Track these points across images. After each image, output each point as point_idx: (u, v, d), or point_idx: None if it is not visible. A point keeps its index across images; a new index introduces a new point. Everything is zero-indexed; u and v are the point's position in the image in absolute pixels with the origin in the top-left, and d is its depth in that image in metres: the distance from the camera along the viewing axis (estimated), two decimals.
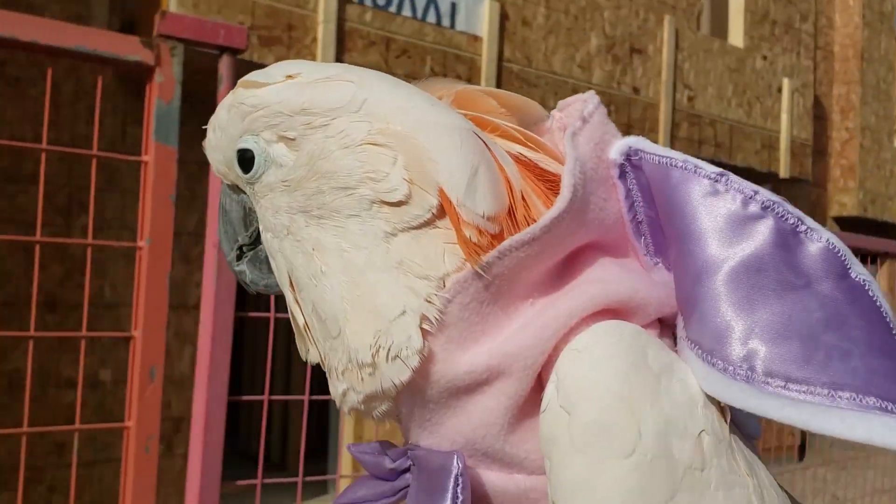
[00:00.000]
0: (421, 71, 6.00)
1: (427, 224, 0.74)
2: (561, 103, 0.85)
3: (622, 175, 0.80)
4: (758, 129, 8.49)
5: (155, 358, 1.42)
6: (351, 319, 0.73)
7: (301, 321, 0.79)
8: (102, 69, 1.46)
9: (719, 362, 0.72)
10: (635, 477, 0.69)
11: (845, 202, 10.66)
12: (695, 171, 0.77)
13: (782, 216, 0.75)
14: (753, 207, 0.75)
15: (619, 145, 0.81)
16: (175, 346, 5.54)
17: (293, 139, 0.78)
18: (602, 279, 0.76)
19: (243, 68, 3.76)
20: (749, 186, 0.76)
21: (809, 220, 0.76)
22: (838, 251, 0.74)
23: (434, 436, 0.76)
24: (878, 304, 0.74)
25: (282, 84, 0.79)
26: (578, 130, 0.78)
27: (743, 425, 0.80)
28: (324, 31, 5.55)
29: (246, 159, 0.80)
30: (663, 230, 0.80)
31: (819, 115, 10.39)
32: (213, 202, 1.71)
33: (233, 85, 1.58)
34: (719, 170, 0.77)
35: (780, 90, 8.75)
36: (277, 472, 7.04)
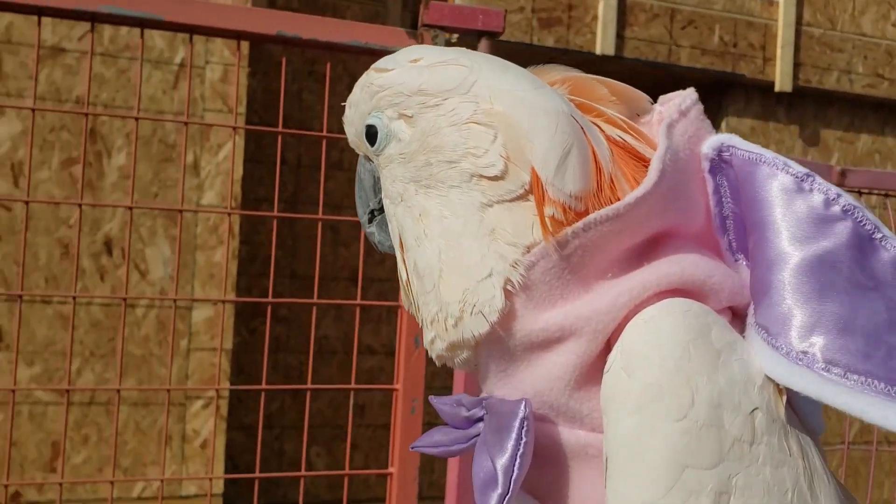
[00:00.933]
0: (709, 41, 5.73)
1: (519, 198, 0.81)
2: (662, 98, 0.91)
3: (712, 170, 0.84)
4: None
5: (418, 327, 1.52)
6: (444, 277, 0.82)
7: (404, 278, 0.88)
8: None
9: (783, 346, 0.77)
10: (684, 440, 0.73)
11: None
12: (783, 169, 0.81)
13: (861, 221, 0.80)
14: (835, 209, 0.80)
15: (712, 140, 0.85)
16: None
17: (411, 117, 0.87)
18: (679, 261, 0.81)
19: (522, 51, 3.86)
20: (833, 189, 0.81)
21: (885, 229, 0.80)
22: None
23: (507, 386, 0.83)
24: None
25: (405, 68, 0.89)
26: (675, 122, 0.83)
27: (807, 419, 0.83)
28: (604, 8, 5.49)
29: (371, 134, 0.90)
30: (745, 224, 0.84)
31: None
32: None
33: None
34: (806, 170, 0.82)
35: None
36: None
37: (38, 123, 3.94)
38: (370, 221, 0.97)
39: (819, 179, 0.81)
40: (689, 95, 0.87)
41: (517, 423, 0.78)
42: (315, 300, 2.08)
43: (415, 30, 1.55)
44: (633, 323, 0.79)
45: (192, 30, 1.56)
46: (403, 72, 0.88)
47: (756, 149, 0.84)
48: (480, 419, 0.85)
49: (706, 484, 0.73)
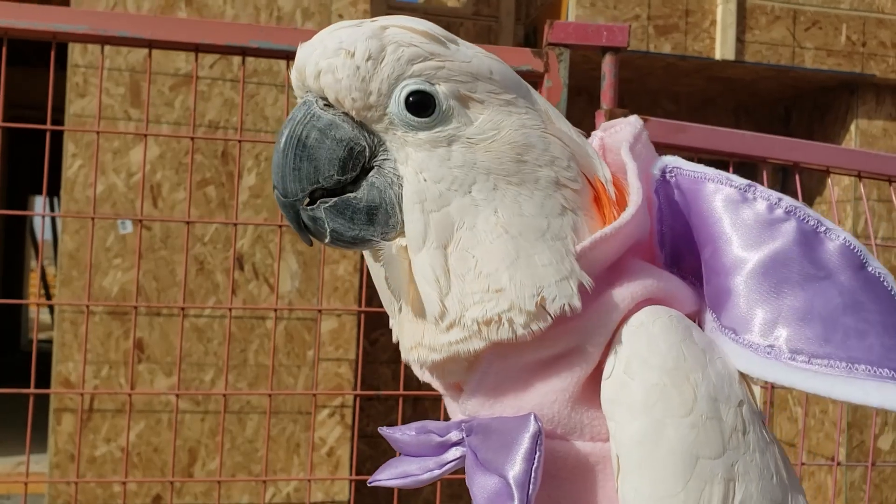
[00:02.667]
0: (835, 41, 5.51)
1: (585, 212, 0.85)
2: (604, 125, 0.96)
3: (657, 190, 0.91)
4: None
5: None
6: (518, 274, 0.79)
7: (432, 277, 0.80)
8: None
9: (751, 343, 0.83)
10: (693, 434, 0.78)
11: None
12: (727, 183, 0.89)
13: (803, 219, 0.87)
14: (778, 212, 0.87)
15: (659, 163, 0.92)
16: None
17: (481, 102, 0.83)
18: (650, 273, 0.87)
19: (637, 60, 3.81)
20: (774, 194, 0.88)
21: (828, 222, 0.87)
22: (854, 248, 0.86)
23: (498, 405, 0.84)
24: (892, 292, 0.85)
25: (460, 46, 0.84)
26: (632, 146, 0.89)
27: None
28: (723, 12, 5.36)
29: (420, 103, 0.81)
30: (695, 236, 0.90)
31: None
32: None
33: (615, 82, 1.66)
34: (748, 181, 0.89)
35: None
36: None
37: (174, 147, 4.17)
38: (311, 203, 0.82)
39: (760, 187, 0.88)
40: (635, 122, 0.93)
41: (528, 438, 0.79)
42: None
43: (538, 48, 1.57)
44: (626, 330, 0.83)
45: None
46: (463, 50, 0.84)
47: (699, 168, 0.91)
48: (457, 443, 0.85)
49: (716, 472, 0.78)
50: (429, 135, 0.81)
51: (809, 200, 5.90)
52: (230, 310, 1.73)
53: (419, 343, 0.83)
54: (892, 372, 0.81)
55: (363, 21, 0.82)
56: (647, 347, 0.81)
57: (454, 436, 0.85)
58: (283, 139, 0.81)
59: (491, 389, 0.84)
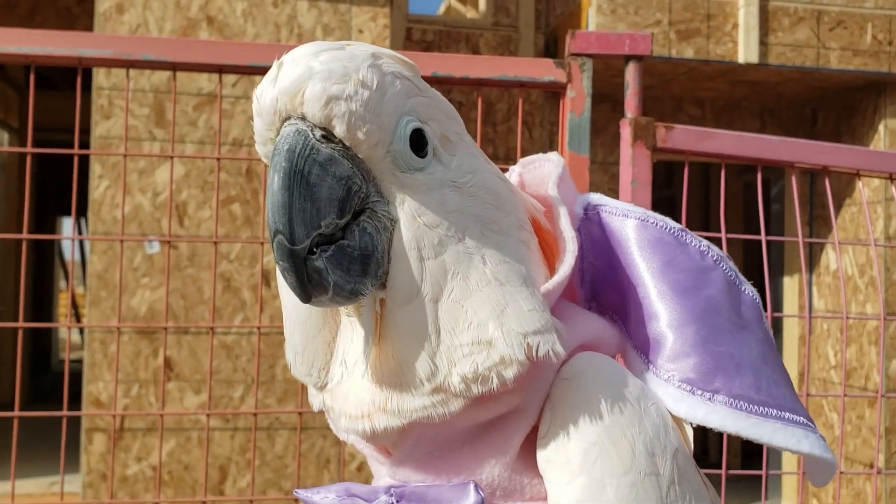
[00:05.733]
0: (861, 41, 5.44)
1: (536, 251, 0.82)
2: (523, 161, 0.93)
3: (579, 228, 0.89)
4: None
5: None
6: (506, 324, 0.74)
7: (423, 333, 0.73)
8: (525, 91, 1.62)
9: (697, 390, 0.83)
10: (634, 492, 0.75)
11: None
12: (659, 225, 0.88)
13: (726, 270, 0.88)
14: (708, 260, 0.88)
15: (580, 200, 0.91)
16: None
17: (452, 142, 0.79)
18: (581, 318, 0.86)
19: (660, 66, 3.78)
20: (703, 241, 0.89)
21: (741, 276, 0.89)
22: (758, 301, 0.89)
23: (433, 470, 0.79)
24: (775, 347, 0.89)
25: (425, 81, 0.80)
26: (556, 185, 0.86)
27: None
28: (745, 15, 5.31)
29: (415, 142, 0.75)
30: (617, 275, 0.88)
31: None
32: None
33: (639, 90, 1.64)
34: (680, 226, 0.89)
35: None
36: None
37: (199, 165, 4.20)
38: (313, 250, 0.71)
39: (690, 233, 0.89)
40: (557, 160, 0.90)
41: None
42: None
43: (558, 57, 1.56)
44: (558, 384, 0.79)
45: None
46: (431, 87, 0.80)
47: (625, 206, 0.89)
48: None
49: None
50: (424, 176, 0.76)
51: (839, 202, 5.82)
52: (258, 328, 1.72)
53: (380, 408, 0.75)
54: (806, 422, 0.84)
55: (341, 44, 0.75)
56: (584, 402, 0.77)
57: (383, 501, 0.79)
58: (283, 174, 0.70)
59: (426, 454, 0.79)
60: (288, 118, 0.72)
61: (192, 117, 4.27)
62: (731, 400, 0.82)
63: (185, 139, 4.24)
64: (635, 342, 0.88)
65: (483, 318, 0.74)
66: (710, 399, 0.82)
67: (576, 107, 1.51)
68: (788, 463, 6.08)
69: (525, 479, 0.80)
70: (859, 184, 2.02)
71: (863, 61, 5.43)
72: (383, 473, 0.83)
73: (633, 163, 1.45)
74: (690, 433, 0.86)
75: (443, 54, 1.49)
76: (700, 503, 0.80)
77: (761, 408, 0.83)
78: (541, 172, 0.91)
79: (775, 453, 6.16)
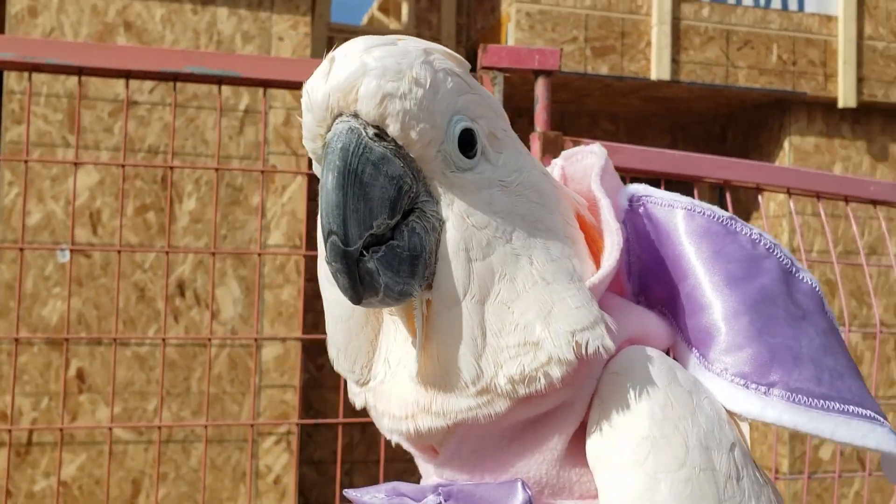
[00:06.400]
0: (767, 60, 5.69)
1: (582, 245, 0.81)
2: (565, 154, 0.92)
3: (625, 220, 0.87)
4: None
5: None
6: (553, 322, 0.73)
7: (470, 335, 0.72)
8: None
9: (751, 384, 0.79)
10: (689, 488, 0.72)
11: None
12: (708, 214, 0.85)
13: (780, 258, 0.85)
14: (760, 248, 0.84)
15: (625, 192, 0.88)
16: None
17: (500, 140, 0.78)
18: (629, 312, 0.83)
19: (576, 81, 3.86)
20: (755, 229, 0.86)
21: (797, 263, 0.87)
22: (818, 289, 0.86)
23: (478, 469, 0.77)
24: (840, 335, 0.85)
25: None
26: (601, 178, 0.85)
27: None
28: (658, 34, 5.50)
29: (465, 141, 0.74)
30: (665, 267, 0.86)
31: None
32: None
33: (548, 105, 1.69)
34: (729, 214, 0.86)
35: None
36: None
37: (114, 173, 4.12)
38: (365, 251, 0.70)
39: (741, 221, 0.86)
40: (598, 151, 0.88)
41: None
42: None
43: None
44: (606, 378, 0.77)
45: (266, 84, 1.65)
46: (476, 82, 0.78)
47: (672, 196, 0.87)
48: None
49: None
50: (472, 176, 0.75)
51: (746, 216, 6.06)
52: (163, 340, 1.71)
53: (425, 409, 0.74)
54: (874, 413, 0.80)
55: (392, 38, 0.73)
56: (634, 397, 0.75)
57: (431, 501, 0.78)
58: (337, 173, 0.69)
59: (472, 452, 0.77)
60: (340, 115, 0.71)
61: (107, 123, 4.17)
62: (789, 394, 0.78)
63: (100, 146, 4.14)
64: (686, 335, 0.85)
65: (530, 319, 0.73)
66: (765, 393, 0.79)
67: None
68: None
69: (574, 476, 0.78)
70: (760, 198, 2.12)
71: (769, 80, 5.67)
72: (430, 472, 0.82)
73: None
74: (747, 429, 0.82)
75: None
76: (758, 500, 0.76)
77: (822, 401, 0.79)
78: (583, 165, 0.89)
79: None
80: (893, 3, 5.99)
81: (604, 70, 5.40)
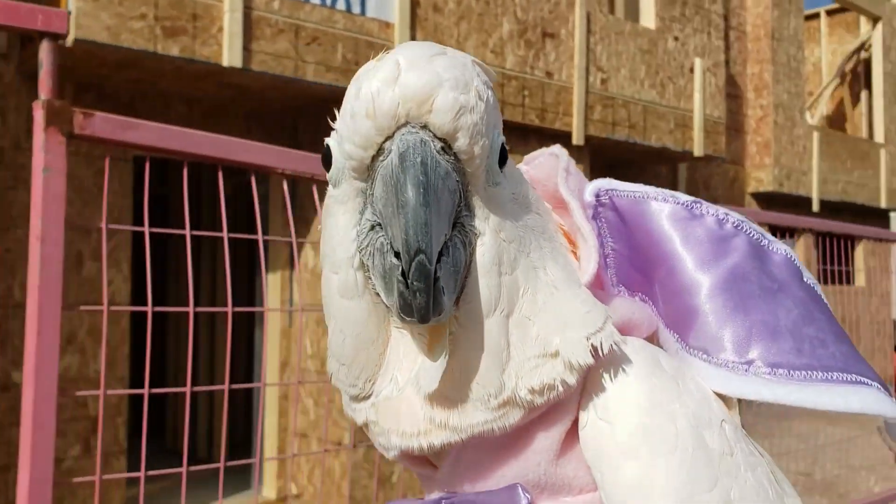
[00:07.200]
0: (333, 58, 5.98)
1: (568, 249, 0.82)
2: (527, 157, 0.93)
3: (594, 215, 0.89)
4: (671, 108, 8.68)
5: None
6: (570, 330, 0.75)
7: (497, 349, 0.73)
8: None
9: (727, 361, 0.81)
10: (684, 470, 0.74)
11: (762, 178, 10.98)
12: (671, 201, 0.87)
13: (749, 233, 0.86)
14: (727, 227, 0.86)
15: (591, 188, 0.90)
16: (90, 345, 5.46)
17: (505, 153, 0.78)
18: (609, 307, 0.82)
19: (143, 61, 3.68)
20: (720, 209, 0.87)
21: (768, 235, 0.88)
22: (793, 258, 0.87)
23: (480, 478, 0.78)
24: (824, 300, 0.86)
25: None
26: (565, 180, 0.86)
27: None
28: (230, 21, 5.49)
29: (502, 156, 0.75)
30: (640, 256, 0.88)
31: (735, 94, 10.65)
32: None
33: (53, 71, 1.59)
34: (692, 197, 0.88)
35: (692, 70, 8.95)
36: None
37: None
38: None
39: (705, 203, 0.87)
40: (561, 154, 0.89)
41: None
42: None
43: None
44: (593, 374, 0.78)
45: None
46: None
47: (637, 187, 0.89)
48: None
49: None
50: (500, 190, 0.75)
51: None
52: None
53: (440, 426, 0.73)
54: (858, 377, 0.81)
55: (441, 47, 0.71)
56: (621, 388, 0.77)
57: None
58: (423, 189, 0.67)
59: (471, 462, 0.78)
60: (405, 124, 0.68)
61: None
62: (769, 369, 0.80)
63: None
64: (666, 321, 0.86)
65: (548, 330, 0.74)
66: (745, 371, 0.80)
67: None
68: (270, 449, 6.42)
69: (571, 472, 0.78)
70: (314, 188, 2.20)
71: (335, 77, 5.98)
72: (432, 486, 0.82)
73: (45, 149, 1.39)
74: (736, 405, 0.83)
75: None
76: (755, 472, 0.78)
77: (804, 372, 0.80)
78: (546, 167, 0.89)
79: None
80: (439, 16, 6.70)
81: (174, 51, 5.24)
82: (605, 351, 0.75)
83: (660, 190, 0.88)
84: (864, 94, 13.23)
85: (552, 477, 0.78)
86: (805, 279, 0.87)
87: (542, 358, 0.74)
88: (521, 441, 0.77)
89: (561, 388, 0.74)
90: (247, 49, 5.57)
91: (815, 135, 11.18)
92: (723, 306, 0.83)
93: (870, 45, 12.88)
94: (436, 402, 0.74)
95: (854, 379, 0.81)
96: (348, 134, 0.71)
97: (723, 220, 0.86)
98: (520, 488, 0.76)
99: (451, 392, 0.73)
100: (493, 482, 0.78)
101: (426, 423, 0.74)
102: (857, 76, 13.35)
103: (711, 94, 9.17)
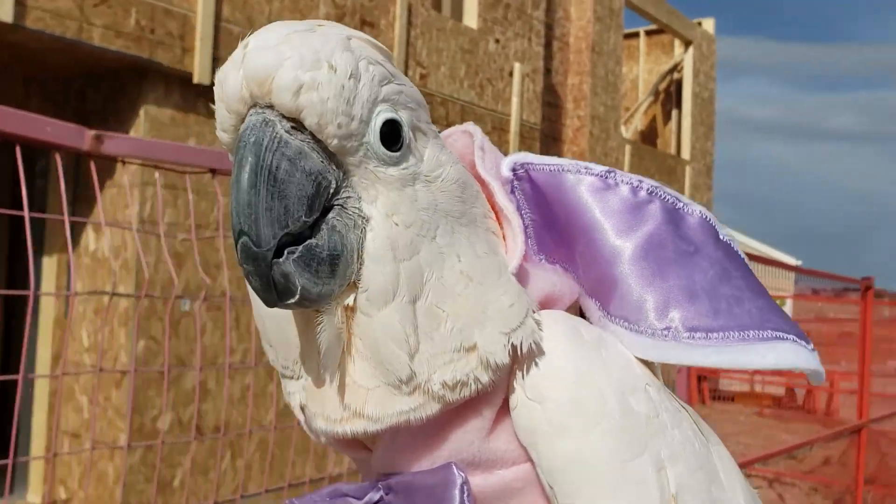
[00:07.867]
0: (125, 23, 5.47)
1: (497, 233, 0.82)
2: (441, 134, 0.88)
3: (512, 189, 0.89)
4: (489, 111, 8.69)
5: None
6: (489, 321, 0.75)
7: (402, 336, 0.73)
8: None
9: (647, 329, 0.83)
10: (615, 437, 0.77)
11: None
12: (585, 172, 0.88)
13: (664, 198, 0.88)
14: (641, 194, 0.87)
15: (507, 162, 0.90)
16: None
17: (424, 134, 0.77)
18: (530, 280, 0.84)
19: None
20: (634, 177, 0.88)
21: (683, 198, 0.89)
22: (708, 218, 0.88)
23: (413, 458, 0.79)
24: (741, 255, 0.88)
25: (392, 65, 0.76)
26: (482, 159, 0.87)
27: None
28: None
29: (388, 133, 0.73)
30: (558, 228, 0.89)
31: (555, 104, 10.87)
32: None
33: None
34: (606, 168, 0.89)
35: (511, 74, 9.00)
36: None
37: None
38: (280, 252, 0.69)
39: (619, 172, 0.88)
40: (475, 131, 0.89)
41: (456, 492, 0.77)
42: None
43: None
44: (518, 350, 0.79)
45: None
46: (399, 71, 0.77)
47: (552, 160, 0.89)
48: (377, 502, 0.81)
49: (646, 468, 0.77)
50: (397, 171, 0.74)
51: (102, 183, 5.77)
52: None
53: (357, 414, 0.75)
54: (774, 332, 0.82)
55: (311, 24, 0.72)
56: (547, 365, 0.79)
57: (373, 496, 0.81)
58: (249, 169, 0.67)
59: (405, 445, 0.80)
60: (254, 105, 0.70)
61: None
62: (687, 333, 0.82)
63: None
64: (587, 289, 0.88)
65: (465, 322, 0.75)
66: (665, 336, 0.82)
67: None
68: (38, 450, 5.81)
69: (503, 446, 0.80)
70: (96, 166, 1.86)
71: (125, 44, 5.47)
72: (368, 470, 0.84)
73: None
74: (658, 367, 0.87)
75: None
76: (681, 428, 0.82)
77: (720, 333, 0.82)
78: (459, 145, 0.89)
79: (23, 441, 5.82)
80: None
81: None
82: (524, 351, 0.77)
83: (574, 161, 0.90)
84: (674, 113, 13.93)
85: (486, 453, 0.80)
86: (721, 237, 0.89)
87: (458, 352, 0.75)
88: (454, 422, 0.79)
89: (474, 386, 0.76)
90: (20, 3, 4.97)
91: (628, 148, 11.60)
92: (641, 273, 0.85)
93: (682, 67, 13.57)
94: (349, 389, 0.76)
95: (770, 335, 0.83)
96: (216, 119, 0.74)
97: (637, 187, 0.88)
98: (454, 466, 0.78)
99: (360, 378, 0.75)
100: (427, 462, 0.79)
101: (343, 410, 0.76)
102: (670, 95, 14.04)
103: (529, 100, 9.27)
